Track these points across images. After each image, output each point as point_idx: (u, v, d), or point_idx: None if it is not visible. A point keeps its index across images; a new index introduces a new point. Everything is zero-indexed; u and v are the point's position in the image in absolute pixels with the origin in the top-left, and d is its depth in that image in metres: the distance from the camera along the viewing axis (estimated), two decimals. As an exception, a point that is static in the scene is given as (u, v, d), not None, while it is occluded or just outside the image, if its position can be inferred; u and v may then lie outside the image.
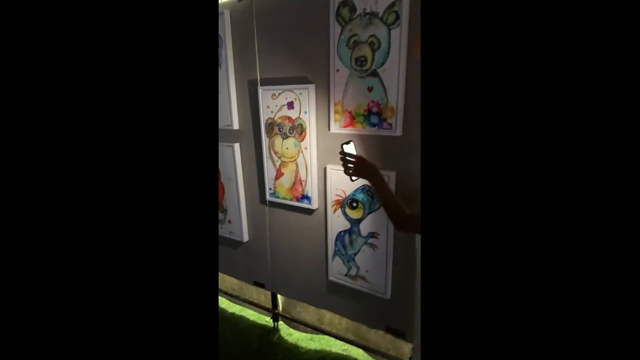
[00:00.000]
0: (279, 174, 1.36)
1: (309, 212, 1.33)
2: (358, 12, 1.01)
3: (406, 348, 1.36)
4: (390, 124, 1.04)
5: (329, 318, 1.53)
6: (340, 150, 1.02)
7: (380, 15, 0.98)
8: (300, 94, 1.21)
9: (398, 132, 1.04)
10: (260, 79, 1.32)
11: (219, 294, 1.88)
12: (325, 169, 1.23)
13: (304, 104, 1.21)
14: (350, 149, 0.93)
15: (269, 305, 1.70)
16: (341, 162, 1.02)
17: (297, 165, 1.30)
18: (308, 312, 1.59)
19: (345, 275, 1.29)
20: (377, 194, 0.91)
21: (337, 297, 1.36)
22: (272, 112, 1.30)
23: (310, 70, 1.18)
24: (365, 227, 1.19)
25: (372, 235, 1.18)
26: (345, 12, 1.04)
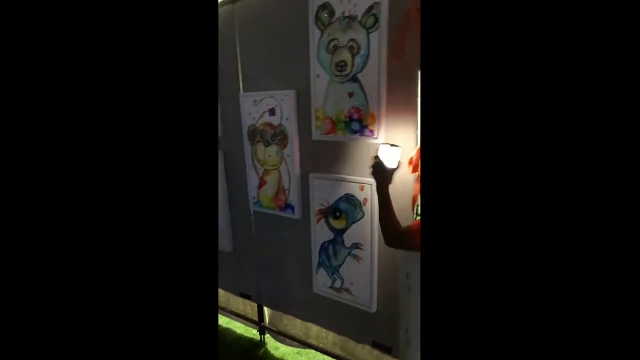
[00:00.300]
0: (262, 183, 1.32)
1: (294, 222, 1.29)
2: (337, 15, 0.98)
3: (395, 364, 1.30)
4: (372, 131, 1.00)
5: (316, 332, 1.48)
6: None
7: (359, 19, 0.94)
8: (282, 100, 1.17)
9: (380, 139, 0.99)
10: (242, 85, 1.29)
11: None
12: (308, 177, 1.19)
13: (286, 111, 1.18)
14: (390, 152, 0.86)
15: (256, 317, 1.65)
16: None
17: (280, 174, 1.26)
18: (295, 326, 1.54)
19: (330, 287, 1.24)
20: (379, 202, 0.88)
21: (322, 310, 1.30)
22: (254, 119, 1.27)
23: (291, 76, 1.15)
24: (349, 238, 1.15)
25: (356, 246, 1.14)
26: (324, 16, 1.01)
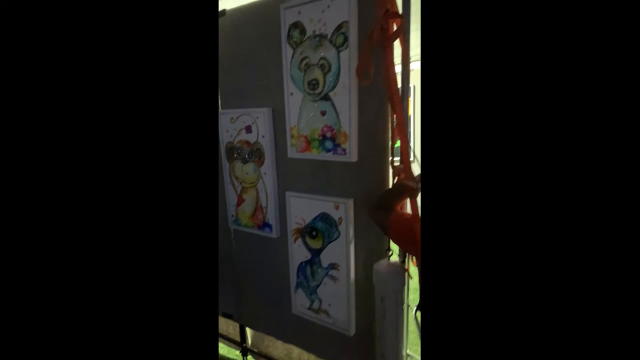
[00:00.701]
0: (240, 200, 1.30)
1: (271, 240, 1.26)
2: (308, 34, 0.98)
3: (377, 388, 1.25)
4: (344, 150, 0.98)
5: (298, 353, 1.43)
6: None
7: (329, 37, 0.94)
8: (257, 117, 1.16)
9: (353, 157, 0.97)
10: (220, 102, 1.28)
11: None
12: (285, 195, 1.17)
13: (262, 128, 1.16)
14: None
15: (238, 338, 1.60)
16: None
17: (257, 191, 1.24)
18: (276, 347, 1.49)
19: (309, 308, 1.20)
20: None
21: (302, 331, 1.27)
22: (231, 136, 1.25)
23: (267, 94, 1.14)
24: (325, 258, 1.12)
25: (332, 266, 1.11)
26: (296, 34, 1.00)
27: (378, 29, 0.74)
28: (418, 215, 0.75)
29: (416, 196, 0.75)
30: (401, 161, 0.78)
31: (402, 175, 0.81)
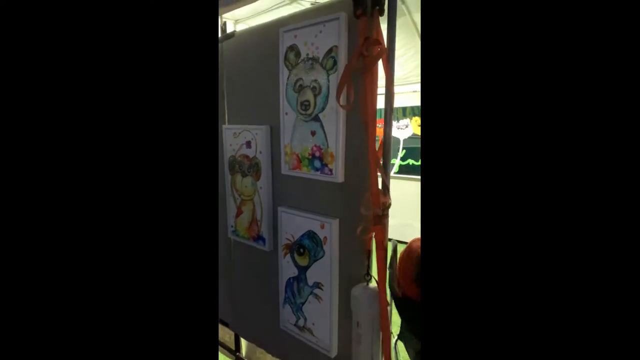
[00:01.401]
0: (238, 212, 1.35)
1: (265, 253, 1.29)
2: (302, 56, 1.01)
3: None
4: (330, 170, 0.99)
5: (287, 369, 1.42)
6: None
7: (320, 60, 0.96)
8: (256, 134, 1.21)
9: (339, 178, 0.98)
10: (227, 118, 1.34)
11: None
12: (277, 210, 1.19)
13: (260, 144, 1.21)
14: None
15: (233, 346, 1.63)
16: None
17: (254, 204, 1.28)
18: (266, 359, 1.50)
19: (294, 325, 1.20)
20: None
21: (288, 346, 1.27)
22: (234, 150, 1.31)
23: (266, 112, 1.19)
24: (311, 276, 1.12)
25: (317, 285, 1.10)
26: (291, 56, 1.04)
27: (357, 55, 0.75)
28: (382, 243, 0.74)
29: (380, 223, 0.74)
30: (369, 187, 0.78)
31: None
